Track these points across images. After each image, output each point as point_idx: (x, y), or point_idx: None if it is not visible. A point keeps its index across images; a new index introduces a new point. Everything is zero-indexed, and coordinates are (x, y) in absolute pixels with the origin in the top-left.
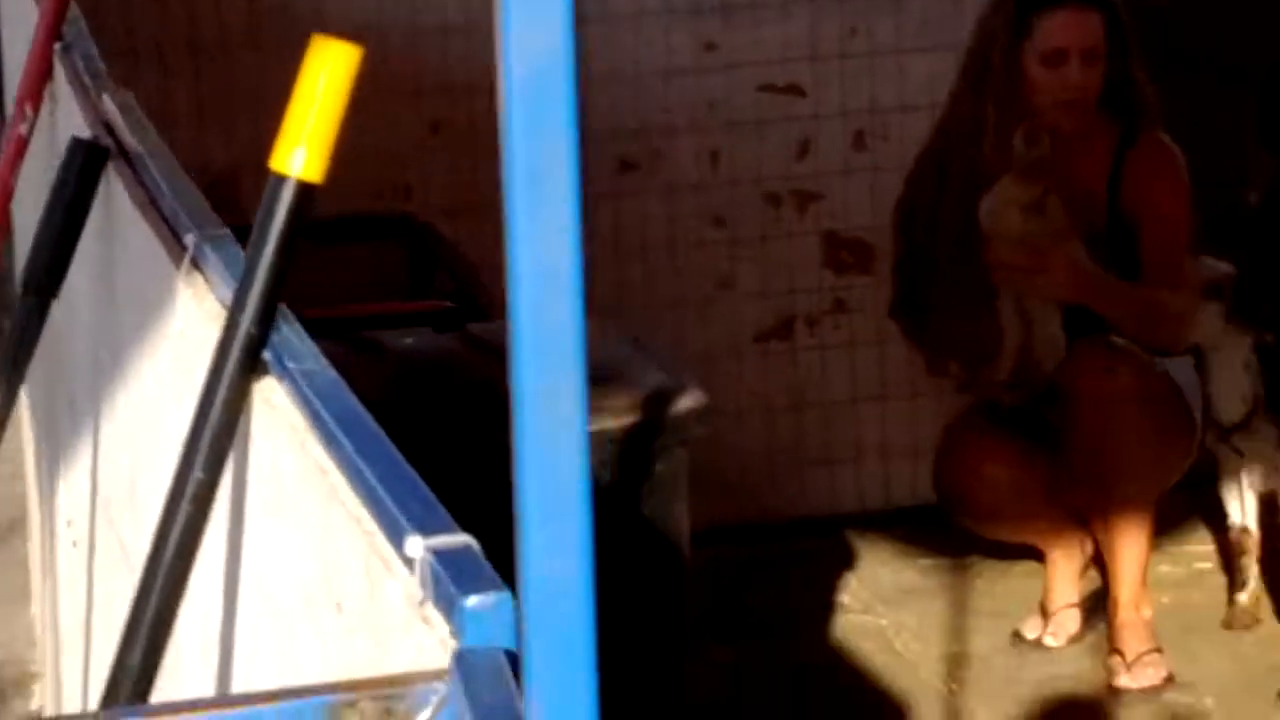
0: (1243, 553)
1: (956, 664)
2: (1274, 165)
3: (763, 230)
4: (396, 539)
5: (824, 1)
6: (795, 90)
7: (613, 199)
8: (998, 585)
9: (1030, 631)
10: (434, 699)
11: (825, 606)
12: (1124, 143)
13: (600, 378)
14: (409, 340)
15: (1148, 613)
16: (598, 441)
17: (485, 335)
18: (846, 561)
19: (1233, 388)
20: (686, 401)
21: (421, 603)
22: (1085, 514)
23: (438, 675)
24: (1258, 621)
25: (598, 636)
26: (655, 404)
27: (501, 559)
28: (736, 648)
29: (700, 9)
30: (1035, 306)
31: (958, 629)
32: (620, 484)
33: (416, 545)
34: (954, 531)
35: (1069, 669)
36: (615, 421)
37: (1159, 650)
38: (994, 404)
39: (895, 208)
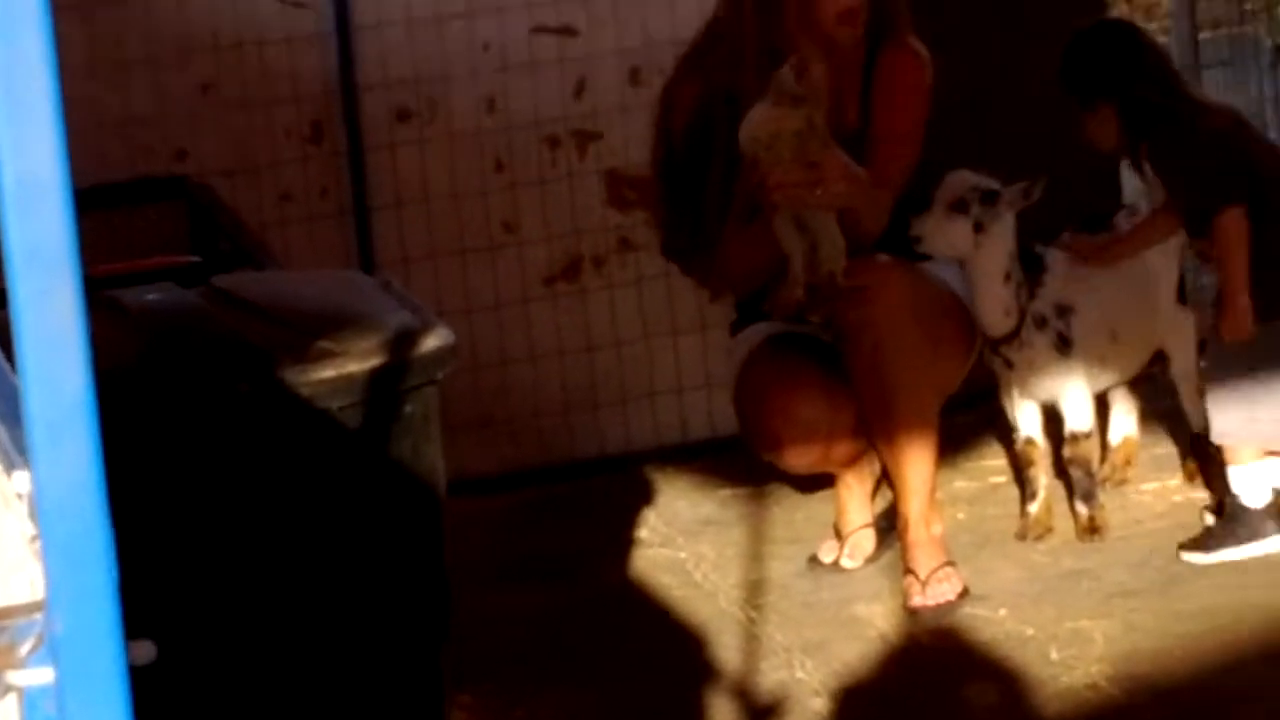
0: (1030, 464)
1: (755, 591)
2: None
3: (543, 173)
4: (9, 474)
5: None
6: (568, 30)
7: (390, 149)
8: (795, 512)
9: (827, 555)
10: (36, 631)
11: (625, 543)
12: (872, 49)
13: (344, 321)
14: (150, 296)
15: (938, 529)
16: (343, 384)
17: (228, 287)
18: (645, 497)
19: (994, 300)
20: (433, 341)
21: (33, 539)
22: (869, 433)
23: (38, 607)
24: (1049, 530)
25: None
26: (400, 345)
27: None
28: (538, 589)
29: None
30: (813, 217)
31: (755, 557)
32: (368, 426)
33: (24, 480)
34: (751, 461)
35: (866, 589)
36: (359, 364)
37: (952, 565)
38: (789, 333)
39: (652, 150)
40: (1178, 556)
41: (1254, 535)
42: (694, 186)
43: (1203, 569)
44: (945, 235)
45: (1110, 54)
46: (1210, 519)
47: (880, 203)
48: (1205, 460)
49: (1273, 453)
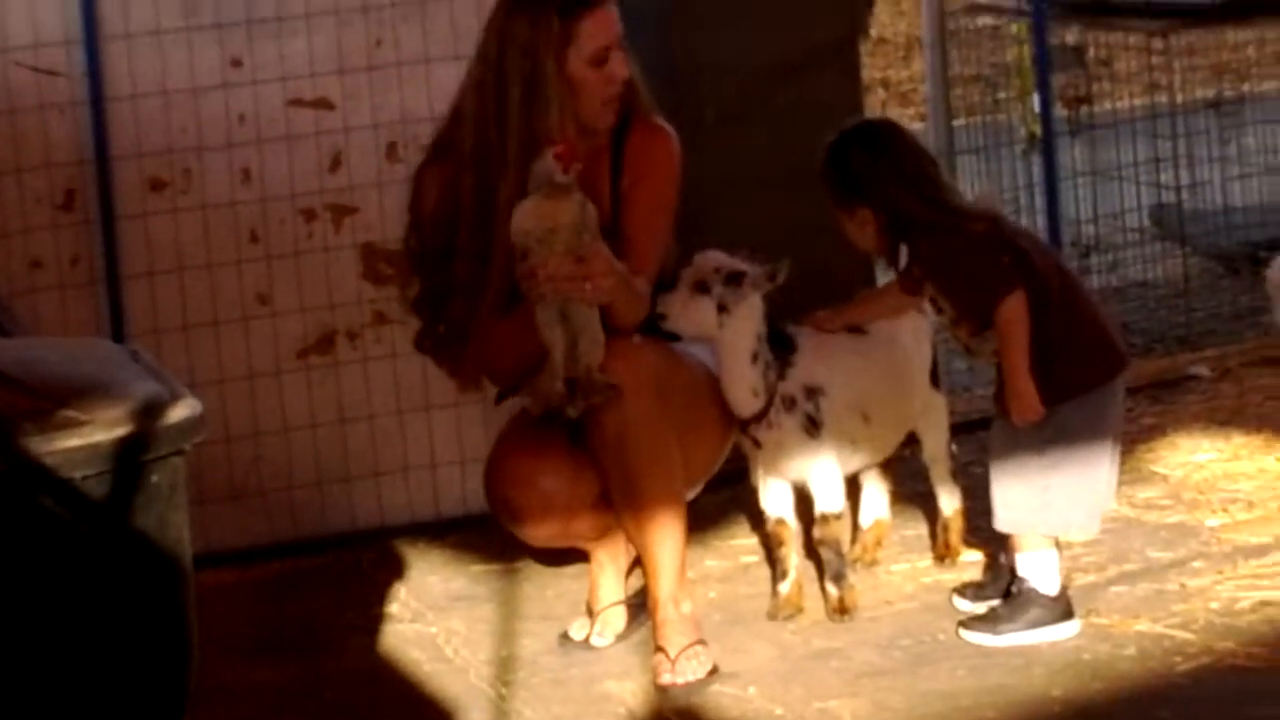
0: (780, 543)
1: (505, 667)
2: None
3: (298, 245)
4: None
5: (349, 13)
6: (324, 104)
7: (143, 219)
8: (547, 589)
9: (578, 632)
10: None
11: (376, 617)
12: (620, 132)
13: (90, 389)
14: None
15: (688, 607)
16: (89, 454)
17: None
18: (396, 572)
19: (741, 380)
20: (180, 411)
21: None
22: (617, 512)
23: None
24: (800, 610)
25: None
26: (147, 414)
27: None
28: (287, 662)
29: (223, 23)
30: (576, 311)
31: (506, 633)
32: (114, 496)
33: None
34: (504, 538)
35: (616, 667)
36: (106, 434)
37: (702, 643)
38: (546, 414)
39: (405, 242)
40: (930, 638)
41: (1045, 620)
42: (440, 276)
43: (949, 650)
44: (689, 315)
45: (869, 158)
46: (962, 601)
47: (639, 292)
48: (954, 544)
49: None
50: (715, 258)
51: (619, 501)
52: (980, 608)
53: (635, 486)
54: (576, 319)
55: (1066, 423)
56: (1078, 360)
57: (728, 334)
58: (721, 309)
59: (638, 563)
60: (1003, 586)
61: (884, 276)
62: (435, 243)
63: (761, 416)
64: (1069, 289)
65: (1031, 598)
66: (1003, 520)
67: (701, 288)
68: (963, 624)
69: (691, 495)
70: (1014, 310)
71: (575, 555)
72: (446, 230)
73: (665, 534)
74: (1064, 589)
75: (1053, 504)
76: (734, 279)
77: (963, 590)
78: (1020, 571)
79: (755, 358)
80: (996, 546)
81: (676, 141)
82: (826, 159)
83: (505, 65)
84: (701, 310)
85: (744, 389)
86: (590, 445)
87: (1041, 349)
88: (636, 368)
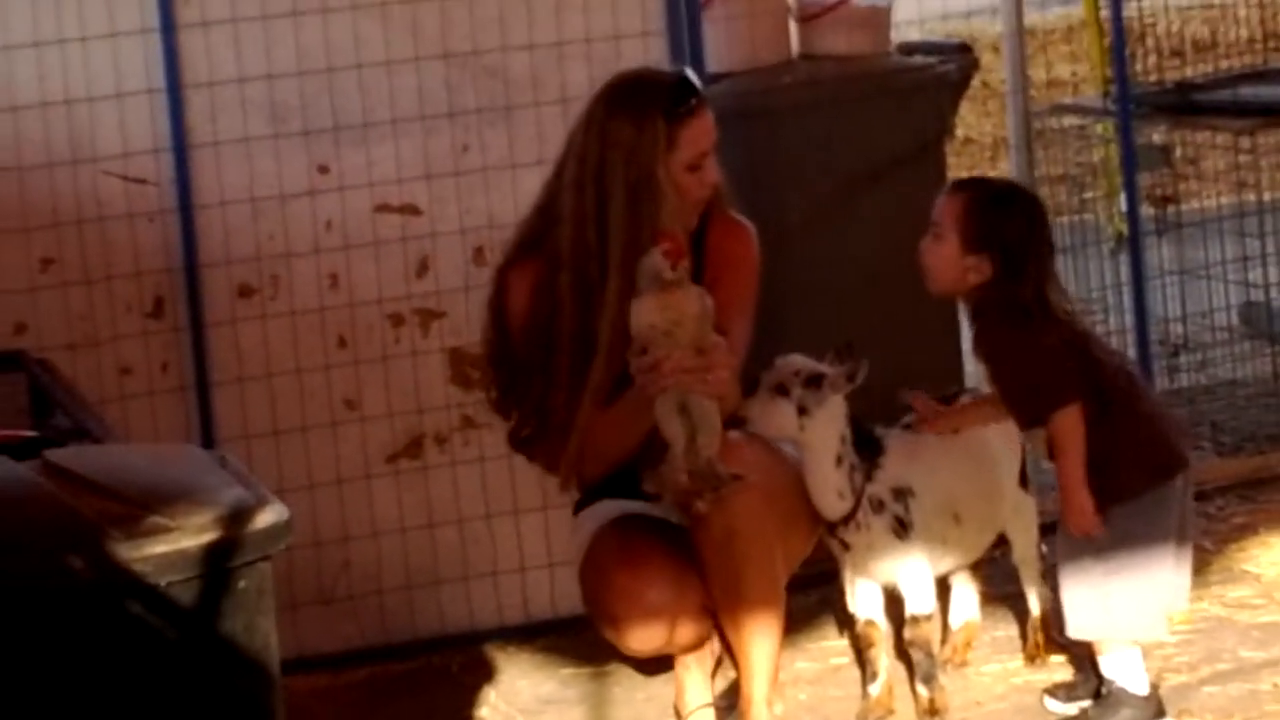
0: (870, 645)
1: None
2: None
3: (386, 350)
4: None
5: (435, 120)
6: (412, 209)
7: (232, 325)
8: (636, 692)
9: None
10: None
11: None
12: (702, 226)
13: (178, 495)
14: None
15: (780, 709)
16: (176, 560)
17: (62, 461)
18: (486, 676)
19: (826, 483)
20: (267, 517)
21: None
22: (717, 612)
23: None
24: (891, 712)
25: None
26: (234, 520)
27: None
28: None
29: (310, 130)
30: (696, 404)
31: None
32: (201, 602)
33: None
34: (593, 641)
35: None
36: (192, 540)
37: None
38: (635, 513)
39: (484, 334)
40: None
41: None
42: (535, 372)
43: None
44: (770, 418)
45: (1027, 223)
46: (1053, 702)
47: (738, 386)
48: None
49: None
50: (795, 361)
51: (720, 600)
52: (1072, 709)
53: (740, 586)
54: (696, 411)
55: (1125, 526)
56: (1136, 463)
57: (810, 437)
58: (802, 411)
59: (720, 662)
60: (1094, 687)
61: (970, 376)
62: (526, 340)
63: (850, 519)
64: (1132, 392)
65: (1122, 698)
66: (1072, 627)
67: (781, 390)
68: None
69: None
70: (1069, 422)
71: (662, 660)
72: (540, 328)
73: (764, 635)
74: (1155, 688)
75: (1117, 608)
76: (814, 381)
77: (1054, 691)
78: (1106, 673)
79: (840, 460)
80: (1086, 647)
81: (756, 237)
82: (984, 195)
83: (606, 168)
84: (782, 413)
85: (830, 492)
86: (695, 543)
87: (1100, 453)
88: (743, 463)
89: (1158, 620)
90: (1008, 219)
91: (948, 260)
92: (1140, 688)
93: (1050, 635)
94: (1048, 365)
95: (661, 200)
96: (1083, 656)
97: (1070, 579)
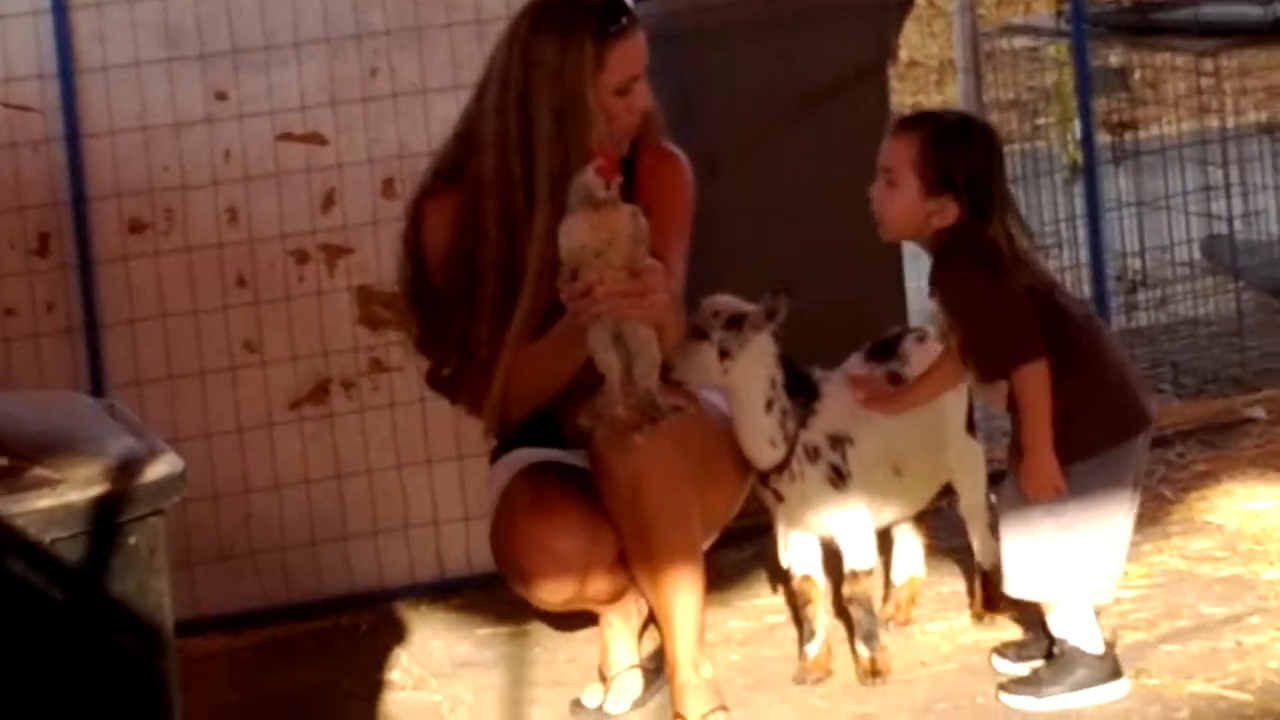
0: (806, 602)
1: None
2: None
3: (289, 289)
4: None
5: (341, 42)
6: (316, 138)
7: (123, 263)
8: (558, 653)
9: (591, 699)
10: None
11: (375, 685)
12: (632, 156)
13: (63, 446)
14: None
15: (709, 671)
16: (61, 515)
17: None
18: (397, 636)
19: (755, 429)
20: (159, 468)
21: None
22: (632, 570)
23: None
24: (829, 673)
25: None
26: (124, 472)
27: None
28: None
29: (207, 54)
30: (634, 331)
31: (515, 701)
32: (89, 560)
33: None
34: (511, 599)
35: None
36: (79, 493)
37: (724, 709)
38: (552, 462)
39: (400, 269)
40: (968, 701)
41: (1091, 681)
42: (456, 307)
43: (990, 713)
44: (690, 363)
45: (987, 161)
46: (1002, 662)
47: (682, 317)
48: (994, 600)
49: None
50: (718, 301)
51: (633, 557)
52: (1022, 669)
53: (651, 541)
54: (633, 339)
55: (1084, 483)
56: (1100, 420)
57: (735, 380)
58: (724, 354)
59: (651, 622)
60: (1045, 646)
61: (916, 308)
62: (447, 274)
63: (783, 467)
64: (1098, 344)
65: (1075, 658)
66: (1013, 585)
67: (699, 333)
68: (1003, 687)
69: (705, 546)
70: (1036, 380)
71: (587, 616)
72: (461, 261)
73: (683, 592)
74: (1110, 646)
75: (1066, 568)
76: (735, 322)
77: (1003, 650)
78: (1056, 632)
79: (770, 405)
80: (1036, 604)
81: (689, 167)
82: (939, 132)
83: (531, 91)
84: (702, 357)
85: (759, 439)
86: (601, 497)
87: (1064, 409)
88: (682, 395)
89: (1109, 583)
90: (968, 153)
91: (907, 206)
92: (1094, 646)
93: (998, 592)
94: (1016, 316)
95: (590, 124)
96: (1033, 614)
97: (1015, 534)
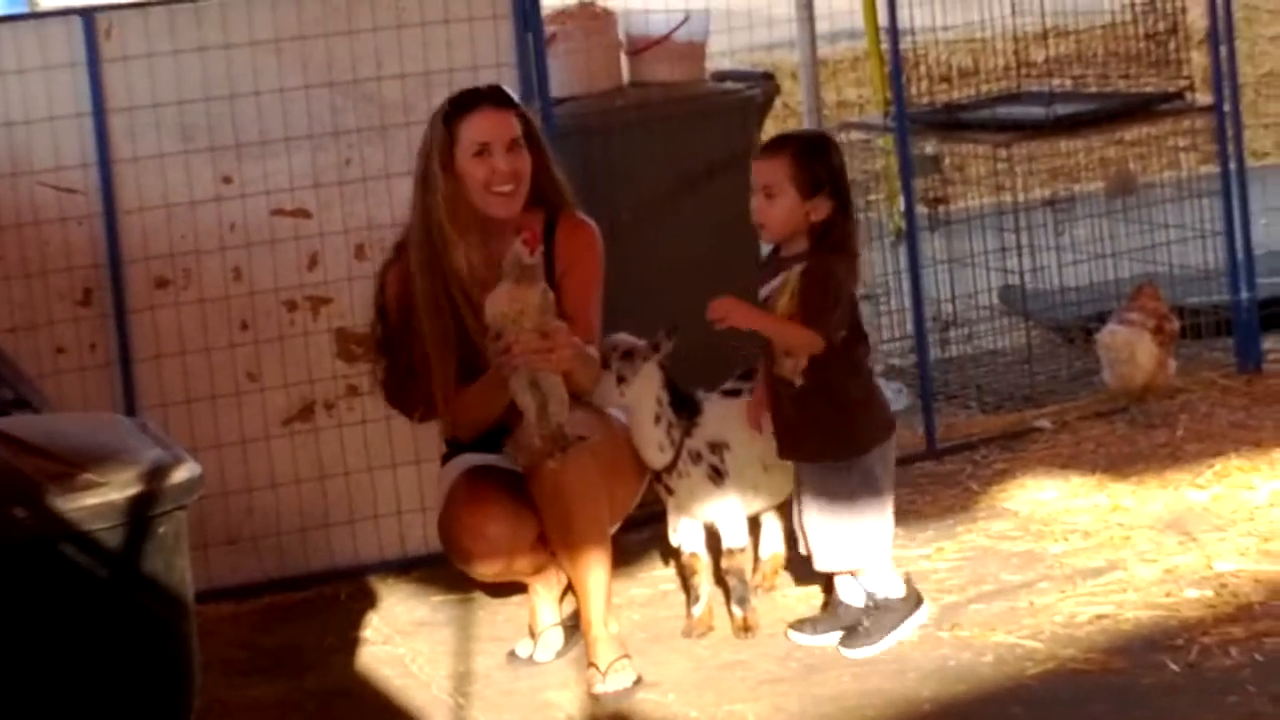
0: (693, 573)
1: (462, 681)
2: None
3: (282, 331)
4: None
5: (321, 138)
6: (302, 213)
7: (150, 311)
8: (496, 615)
9: (523, 650)
10: None
11: (352, 641)
12: (549, 226)
13: (106, 456)
14: None
15: (615, 628)
16: (105, 510)
17: (6, 428)
18: (370, 602)
19: (647, 438)
20: (182, 473)
21: None
22: (553, 549)
23: None
24: (710, 629)
25: None
26: (154, 476)
27: None
28: (277, 681)
29: (215, 147)
30: (545, 378)
31: (462, 653)
32: (126, 545)
33: None
34: (458, 573)
35: (556, 679)
36: (119, 493)
37: (628, 657)
38: (488, 465)
39: (371, 329)
40: (820, 651)
41: (904, 617)
42: (407, 351)
43: (835, 660)
44: (598, 388)
45: (842, 163)
46: (799, 635)
47: (593, 359)
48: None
49: None
50: (617, 338)
51: (556, 540)
52: (820, 640)
53: (570, 528)
54: (545, 385)
55: (869, 471)
56: (874, 417)
57: (630, 400)
58: (621, 380)
59: (569, 590)
60: (838, 621)
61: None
62: (399, 325)
63: (671, 468)
64: (868, 359)
65: (889, 605)
66: (823, 562)
67: (603, 364)
68: (842, 643)
69: (612, 530)
70: (811, 348)
71: (517, 586)
72: (407, 316)
73: (595, 567)
74: (908, 582)
75: (864, 543)
76: (628, 355)
77: (799, 626)
78: (869, 590)
79: (658, 419)
80: (827, 578)
81: (598, 232)
82: (803, 147)
83: (418, 169)
84: (605, 383)
85: (651, 445)
86: (531, 494)
87: (851, 403)
88: (585, 426)
89: (888, 551)
90: (829, 158)
91: (788, 210)
92: (898, 590)
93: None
94: (845, 298)
95: (441, 190)
96: (827, 590)
97: (817, 517)
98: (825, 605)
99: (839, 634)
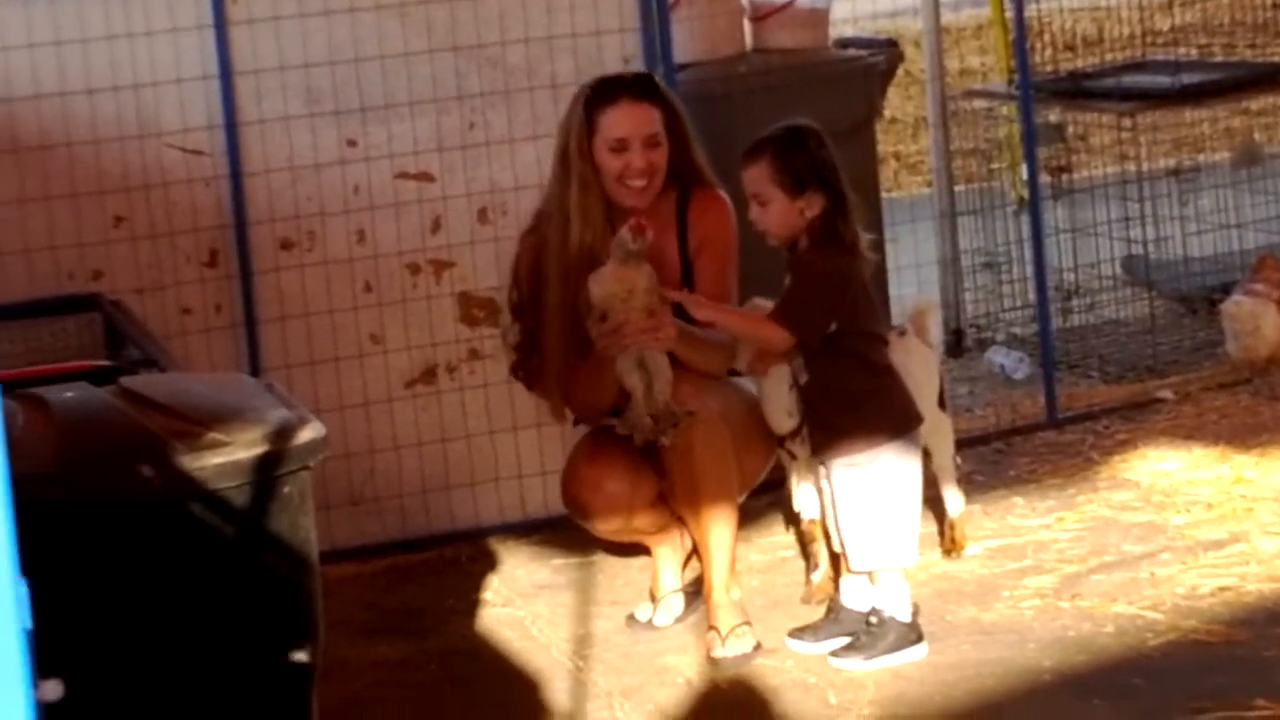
0: (812, 540)
1: (582, 644)
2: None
3: (405, 294)
4: None
5: (446, 102)
6: (426, 177)
7: (275, 273)
8: (616, 578)
9: (642, 615)
10: None
11: (473, 603)
12: (682, 201)
13: (232, 416)
14: (68, 393)
15: (737, 594)
16: (231, 470)
17: (135, 387)
18: (490, 565)
19: (779, 405)
20: (307, 433)
21: None
22: (682, 514)
23: None
24: (830, 596)
25: None
26: (279, 436)
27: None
28: (398, 641)
29: (340, 110)
30: (651, 358)
31: (582, 615)
32: (252, 505)
33: None
34: (579, 535)
35: (675, 644)
36: (245, 453)
37: (748, 624)
38: (609, 428)
39: (508, 294)
40: (939, 618)
41: (900, 645)
42: (532, 319)
43: (955, 629)
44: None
45: (829, 154)
46: (798, 643)
47: (712, 341)
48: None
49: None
50: (751, 305)
51: (684, 502)
52: (820, 647)
53: (699, 492)
54: (651, 364)
55: (893, 465)
56: (886, 413)
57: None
58: None
59: (691, 556)
60: (838, 629)
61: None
62: (529, 298)
63: (796, 433)
64: (880, 353)
65: (889, 625)
66: (859, 561)
67: None
68: (833, 654)
69: (741, 499)
70: (774, 341)
71: (640, 550)
72: (535, 290)
73: (721, 532)
74: (915, 614)
75: (891, 539)
76: None
77: (799, 634)
78: (876, 603)
79: (791, 386)
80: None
81: (731, 206)
82: (778, 147)
83: (558, 147)
84: (748, 349)
85: (780, 411)
86: (663, 458)
87: (858, 399)
88: (704, 397)
89: (915, 547)
90: (807, 152)
91: (781, 213)
92: (904, 614)
93: (963, 533)
94: (834, 293)
95: (577, 174)
96: (835, 598)
97: (842, 515)
98: (828, 611)
99: (840, 641)
